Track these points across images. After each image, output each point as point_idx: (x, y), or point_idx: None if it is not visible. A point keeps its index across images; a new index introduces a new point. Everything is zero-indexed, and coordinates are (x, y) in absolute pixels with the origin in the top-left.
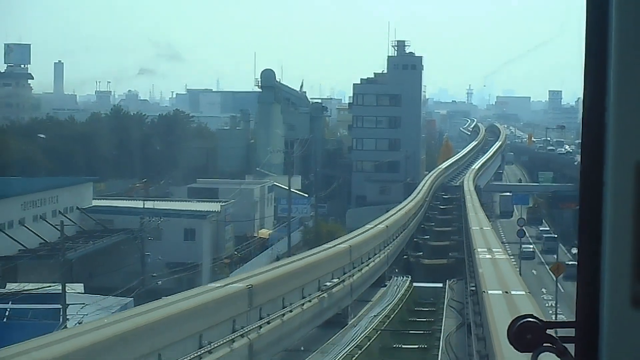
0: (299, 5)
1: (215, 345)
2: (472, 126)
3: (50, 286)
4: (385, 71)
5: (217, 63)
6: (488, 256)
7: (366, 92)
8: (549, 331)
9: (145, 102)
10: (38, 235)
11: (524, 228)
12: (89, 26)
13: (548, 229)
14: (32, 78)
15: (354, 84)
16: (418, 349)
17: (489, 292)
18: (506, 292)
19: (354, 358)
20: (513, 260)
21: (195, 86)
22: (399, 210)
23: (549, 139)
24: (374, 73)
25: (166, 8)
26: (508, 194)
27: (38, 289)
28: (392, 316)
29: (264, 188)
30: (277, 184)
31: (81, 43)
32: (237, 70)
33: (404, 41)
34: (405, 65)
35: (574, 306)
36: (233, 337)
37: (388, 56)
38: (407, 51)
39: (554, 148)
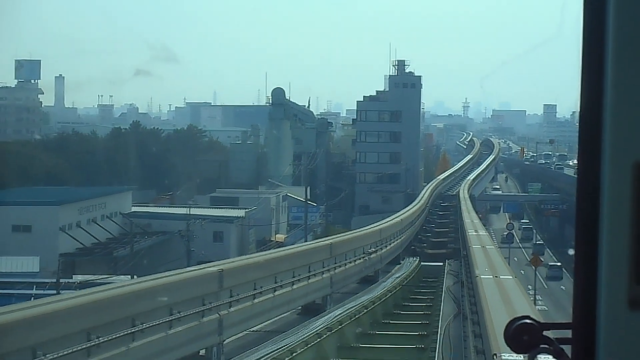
0: (295, 19)
1: (316, 272)
2: (468, 140)
3: (111, 276)
4: (387, 89)
5: (214, 70)
6: (474, 233)
7: (369, 108)
8: (545, 332)
9: (146, 116)
10: (92, 236)
11: (512, 232)
12: (83, 28)
13: (527, 221)
14: (43, 93)
15: (357, 101)
16: (427, 299)
17: (473, 246)
18: (483, 247)
19: (386, 297)
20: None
21: (192, 97)
22: (407, 211)
23: (549, 152)
24: (376, 91)
25: (161, 10)
26: (499, 192)
27: (101, 279)
28: (408, 279)
29: (278, 197)
30: (289, 194)
31: (76, 45)
32: (235, 80)
33: (403, 61)
34: (405, 84)
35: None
36: (323, 270)
37: (389, 75)
38: (406, 70)
39: (535, 160)
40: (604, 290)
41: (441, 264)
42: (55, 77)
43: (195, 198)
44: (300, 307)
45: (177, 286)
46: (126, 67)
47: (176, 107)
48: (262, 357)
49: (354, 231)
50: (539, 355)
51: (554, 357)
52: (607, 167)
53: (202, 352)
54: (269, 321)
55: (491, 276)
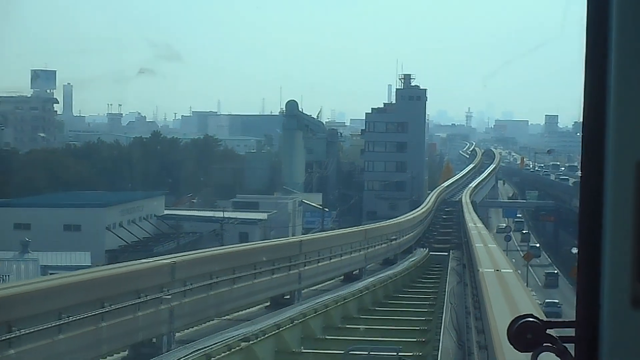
0: (298, 28)
1: (355, 249)
2: (470, 149)
3: None
4: (393, 101)
5: (217, 72)
6: (473, 225)
7: (377, 120)
8: (549, 331)
9: (153, 124)
10: (133, 234)
11: (510, 233)
12: (86, 26)
13: (520, 215)
14: (58, 102)
15: (366, 113)
16: (436, 274)
17: (472, 232)
18: (479, 232)
19: (405, 273)
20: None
21: (197, 102)
22: (416, 212)
23: (557, 163)
24: (384, 103)
25: (165, 8)
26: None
27: None
28: (421, 262)
29: (294, 202)
30: (303, 200)
31: (78, 44)
32: (238, 86)
33: (409, 75)
34: (411, 97)
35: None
36: (360, 248)
37: (397, 88)
38: (412, 84)
39: (529, 168)
40: (607, 288)
41: (446, 253)
42: (64, 85)
43: (218, 203)
44: (342, 275)
45: (274, 249)
46: (130, 65)
47: (182, 115)
48: (326, 299)
49: (381, 222)
50: (542, 354)
51: (557, 355)
52: (610, 166)
53: (287, 296)
54: (324, 283)
55: (482, 244)
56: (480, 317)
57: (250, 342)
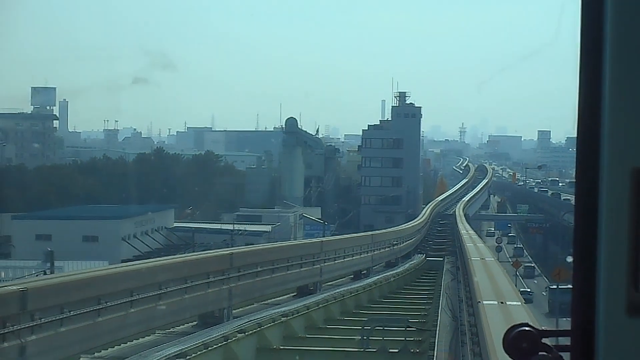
0: (293, 45)
1: (363, 251)
2: (463, 165)
3: None
4: (389, 118)
5: (211, 80)
6: (465, 231)
7: (373, 136)
8: (544, 340)
9: (149, 140)
10: (146, 245)
11: (501, 245)
12: (80, 34)
13: (510, 225)
14: (58, 119)
15: (362, 129)
16: (433, 275)
17: (463, 236)
18: (470, 237)
19: (403, 276)
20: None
21: (191, 115)
22: (414, 222)
23: (557, 179)
24: (380, 120)
25: (159, 16)
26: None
27: None
28: (419, 265)
29: (296, 216)
30: (304, 214)
31: (72, 52)
32: (233, 103)
33: (404, 92)
34: (406, 114)
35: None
36: (368, 250)
37: (392, 106)
38: (407, 102)
39: (520, 183)
40: (602, 296)
41: (441, 259)
42: (60, 102)
43: (222, 216)
44: (352, 274)
45: (303, 247)
46: (123, 74)
47: (177, 131)
48: (341, 290)
49: (385, 229)
50: None
51: None
52: (605, 173)
53: (312, 287)
54: (337, 280)
55: (472, 244)
56: (469, 291)
57: (288, 317)
